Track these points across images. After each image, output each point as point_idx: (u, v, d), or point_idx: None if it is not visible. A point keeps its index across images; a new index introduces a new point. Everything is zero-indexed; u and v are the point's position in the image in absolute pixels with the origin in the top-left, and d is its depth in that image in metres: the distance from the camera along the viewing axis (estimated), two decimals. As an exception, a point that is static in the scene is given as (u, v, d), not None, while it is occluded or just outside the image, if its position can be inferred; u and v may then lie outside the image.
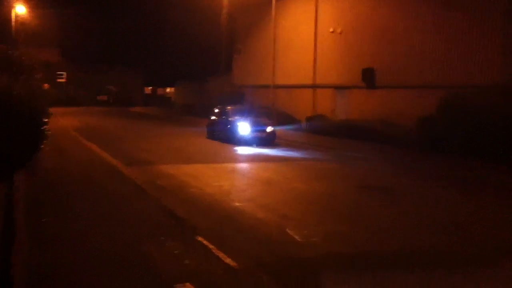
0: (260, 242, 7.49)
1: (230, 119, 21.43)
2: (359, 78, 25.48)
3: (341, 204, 10.39)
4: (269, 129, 20.95)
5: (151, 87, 68.16)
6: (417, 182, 13.35)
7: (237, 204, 9.92)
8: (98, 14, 55.74)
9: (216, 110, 23.26)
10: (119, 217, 8.56)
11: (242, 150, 19.09)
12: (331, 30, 27.69)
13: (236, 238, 7.63)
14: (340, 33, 27.11)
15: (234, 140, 20.59)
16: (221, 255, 6.66)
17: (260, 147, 19.57)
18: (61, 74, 56.71)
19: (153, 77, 63.57)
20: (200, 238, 7.38)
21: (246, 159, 17.24)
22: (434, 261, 6.91)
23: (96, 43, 58.09)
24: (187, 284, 5.63)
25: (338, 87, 27.51)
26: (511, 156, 15.64)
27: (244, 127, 20.59)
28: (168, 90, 67.94)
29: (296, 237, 7.74)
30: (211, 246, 7.01)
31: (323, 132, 24.50)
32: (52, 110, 12.25)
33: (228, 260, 6.46)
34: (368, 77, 24.94)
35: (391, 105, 23.40)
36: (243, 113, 21.93)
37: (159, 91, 69.13)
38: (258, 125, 20.96)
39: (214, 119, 23.00)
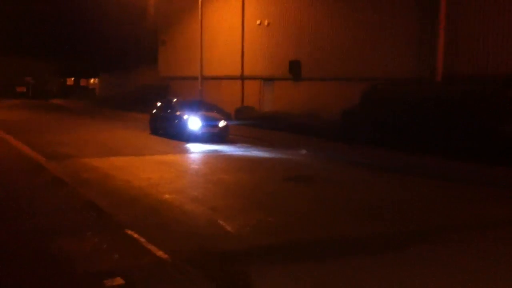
0: (191, 234, 7.37)
1: (177, 113, 19.63)
2: (286, 70, 25.79)
3: (269, 195, 10.43)
4: (221, 123, 19.29)
5: (73, 78, 65.51)
6: (340, 172, 13.73)
7: (166, 196, 9.73)
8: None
9: (159, 104, 21.70)
10: (39, 211, 8.13)
11: (193, 147, 17.45)
12: (258, 22, 27.81)
13: (167, 231, 7.47)
14: (267, 25, 27.28)
15: (183, 136, 18.88)
16: (152, 248, 6.48)
17: (213, 144, 18.05)
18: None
19: (75, 68, 61.11)
20: (129, 232, 7.14)
21: (180, 151, 16.95)
22: (361, 247, 7.09)
23: (12, 31, 54.92)
24: (117, 278, 5.43)
25: (265, 79, 27.71)
26: (419, 143, 16.68)
27: (194, 122, 18.82)
28: (92, 81, 65.66)
29: (227, 228, 7.68)
30: (141, 240, 6.81)
31: (252, 124, 24.56)
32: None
33: (159, 253, 6.30)
34: (295, 69, 25.29)
35: (317, 97, 23.88)
36: (192, 107, 20.14)
37: (82, 82, 66.62)
38: (209, 120, 19.25)
39: (157, 114, 21.17)
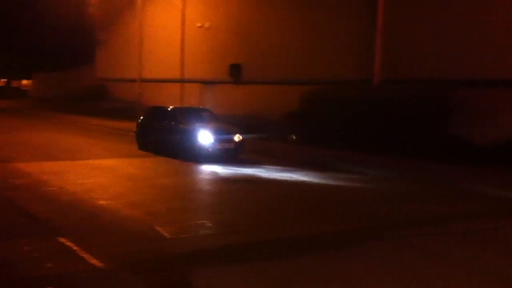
0: (127, 241, 7.21)
1: (180, 125, 15.91)
2: (227, 73, 25.84)
3: (209, 198, 10.40)
4: (237, 137, 15.60)
5: (5, 79, 62.93)
6: (282, 172, 13.86)
7: (102, 202, 9.49)
8: None
9: (149, 113, 17.70)
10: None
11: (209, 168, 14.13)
12: (199, 25, 27.73)
13: (102, 238, 7.27)
14: (208, 28, 27.25)
15: (190, 153, 15.24)
16: (86, 256, 6.29)
17: (229, 165, 14.64)
18: None
19: (8, 67, 58.60)
20: (62, 239, 6.91)
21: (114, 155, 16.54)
22: (301, 246, 7.17)
23: None
24: (49, 288, 5.24)
25: (206, 82, 27.66)
26: (356, 142, 17.63)
27: (205, 137, 15.13)
28: (24, 82, 63.33)
29: (165, 234, 7.58)
30: (75, 247, 6.60)
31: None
32: None
33: (94, 261, 6.12)
34: (235, 73, 25.42)
35: (258, 100, 24.10)
36: (195, 117, 16.57)
37: (14, 83, 64.12)
38: (222, 133, 15.56)
39: (148, 124, 17.23)
